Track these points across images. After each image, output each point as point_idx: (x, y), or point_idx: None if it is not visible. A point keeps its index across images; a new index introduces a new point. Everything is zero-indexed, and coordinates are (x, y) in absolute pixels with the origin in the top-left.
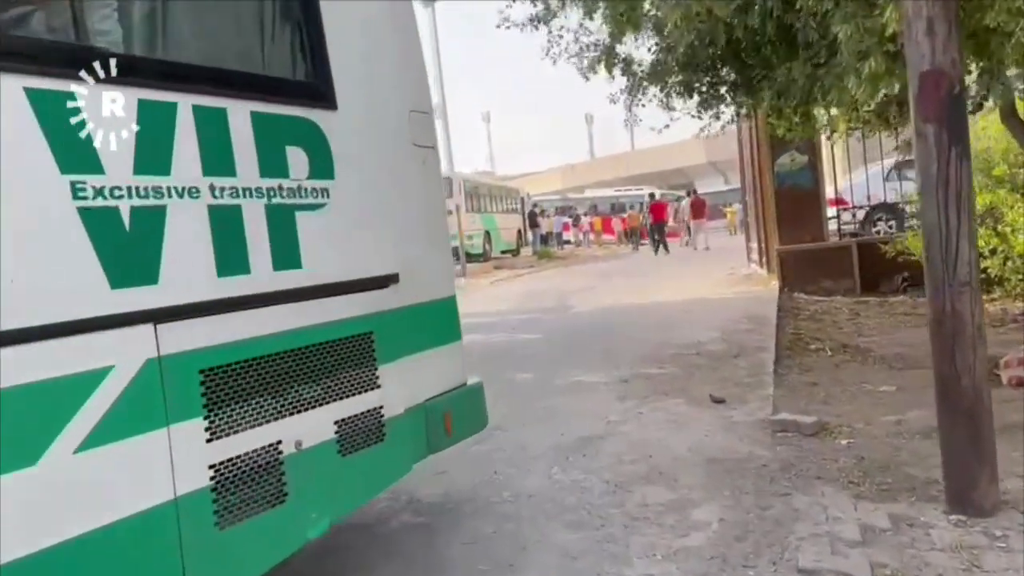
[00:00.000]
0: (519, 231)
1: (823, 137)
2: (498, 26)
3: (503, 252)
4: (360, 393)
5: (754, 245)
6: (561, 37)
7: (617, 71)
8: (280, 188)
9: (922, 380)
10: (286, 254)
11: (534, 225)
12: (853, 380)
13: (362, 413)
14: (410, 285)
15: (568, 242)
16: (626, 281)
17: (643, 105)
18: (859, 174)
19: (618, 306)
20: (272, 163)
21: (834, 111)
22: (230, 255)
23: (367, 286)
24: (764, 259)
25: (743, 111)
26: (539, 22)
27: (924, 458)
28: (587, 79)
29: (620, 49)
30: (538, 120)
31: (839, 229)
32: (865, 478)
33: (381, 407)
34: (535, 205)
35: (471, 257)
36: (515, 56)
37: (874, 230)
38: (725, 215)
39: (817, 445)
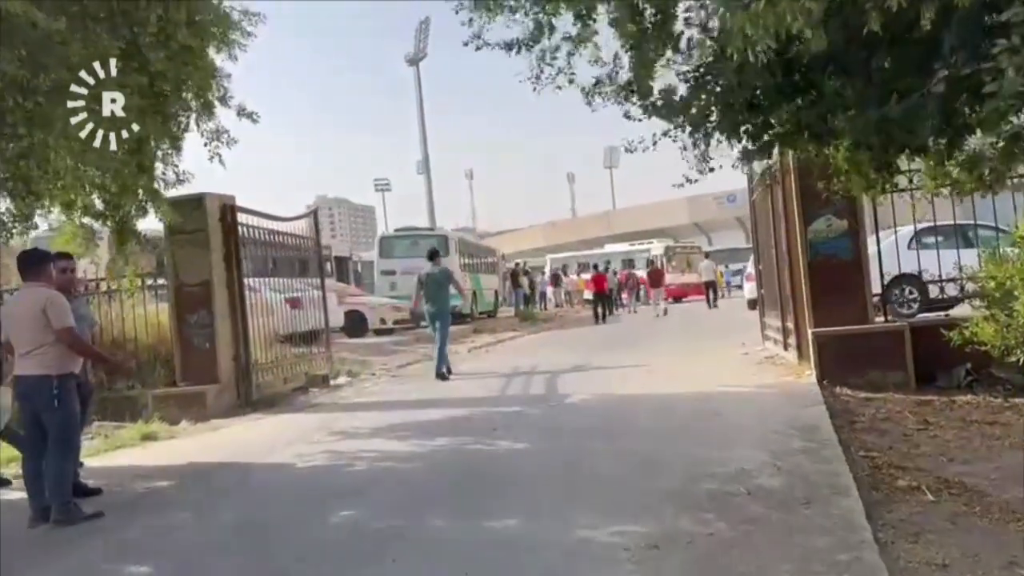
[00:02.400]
0: (496, 291)
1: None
2: (466, 44)
3: (481, 313)
4: None
5: (771, 322)
6: (555, 59)
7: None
8: None
9: None
10: None
11: (516, 285)
12: (994, 555)
13: None
14: None
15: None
16: (623, 355)
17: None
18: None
19: (621, 397)
20: None
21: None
22: None
23: None
24: (796, 342)
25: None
26: (523, 47)
27: None
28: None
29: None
30: (520, 178)
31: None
32: None
33: None
34: (517, 264)
35: (460, 317)
36: (499, 110)
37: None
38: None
39: None
